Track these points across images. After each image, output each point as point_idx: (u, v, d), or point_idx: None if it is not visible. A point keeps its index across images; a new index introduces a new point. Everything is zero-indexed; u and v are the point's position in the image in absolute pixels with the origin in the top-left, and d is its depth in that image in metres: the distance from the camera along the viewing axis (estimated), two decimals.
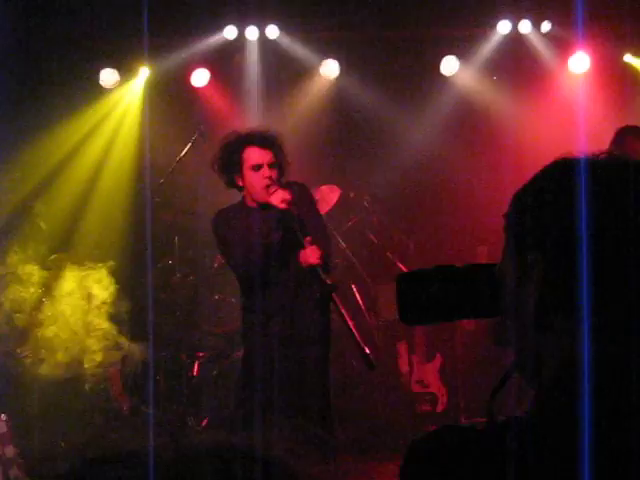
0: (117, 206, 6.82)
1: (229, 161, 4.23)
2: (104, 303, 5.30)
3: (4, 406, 4.46)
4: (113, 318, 5.38)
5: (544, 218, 1.12)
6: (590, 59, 7.26)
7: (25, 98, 6.64)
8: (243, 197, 4.37)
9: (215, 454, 0.66)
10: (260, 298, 4.18)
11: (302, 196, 4.31)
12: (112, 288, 5.40)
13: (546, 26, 7.29)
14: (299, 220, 4.15)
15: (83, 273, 5.25)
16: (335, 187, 6.66)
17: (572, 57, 7.31)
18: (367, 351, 3.93)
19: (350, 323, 4.00)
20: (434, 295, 1.26)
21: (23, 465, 4.49)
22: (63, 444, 5.14)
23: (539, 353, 1.12)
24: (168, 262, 6.31)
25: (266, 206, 4.19)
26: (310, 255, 4.09)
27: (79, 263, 5.33)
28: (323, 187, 6.68)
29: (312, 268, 4.08)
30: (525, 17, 7.33)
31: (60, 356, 5.02)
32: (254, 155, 4.19)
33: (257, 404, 3.91)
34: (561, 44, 7.33)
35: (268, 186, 4.15)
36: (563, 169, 1.13)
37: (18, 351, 5.08)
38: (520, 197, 1.19)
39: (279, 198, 4.12)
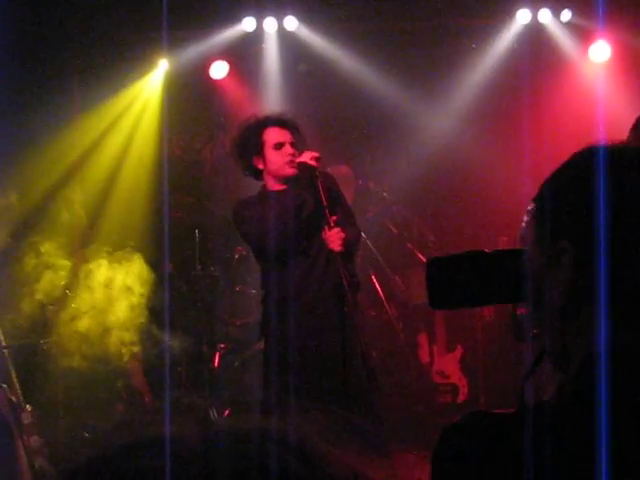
0: (138, 199, 6.85)
1: (249, 143, 4.19)
2: (141, 295, 5.27)
3: (29, 397, 4.51)
4: (150, 310, 5.35)
5: (574, 205, 1.11)
6: (611, 48, 7.20)
7: (44, 91, 6.67)
8: (263, 185, 4.32)
9: (243, 439, 0.66)
10: (281, 284, 4.14)
11: (332, 184, 4.28)
12: (149, 280, 5.37)
13: (566, 15, 7.22)
14: (324, 190, 4.06)
15: (119, 264, 5.24)
16: (344, 167, 6.57)
17: (592, 46, 7.25)
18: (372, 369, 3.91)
19: (362, 340, 3.92)
20: (463, 280, 1.26)
21: (48, 455, 4.54)
22: (87, 434, 5.19)
23: (566, 340, 1.12)
24: (189, 254, 6.34)
25: (291, 184, 4.12)
26: (333, 238, 4.01)
27: (113, 254, 5.30)
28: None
29: (333, 256, 4.01)
30: (545, 6, 7.27)
31: (93, 349, 5.03)
32: (275, 134, 4.17)
33: (281, 391, 3.88)
34: (581, 33, 7.26)
35: (291, 161, 4.13)
36: (595, 156, 1.12)
37: (42, 342, 5.12)
38: (550, 184, 1.19)
39: (308, 156, 4.09)
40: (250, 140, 4.18)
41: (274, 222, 4.02)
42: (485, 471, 1.04)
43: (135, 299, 5.16)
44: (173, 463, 0.63)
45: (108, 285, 5.06)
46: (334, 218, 4.03)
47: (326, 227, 4.03)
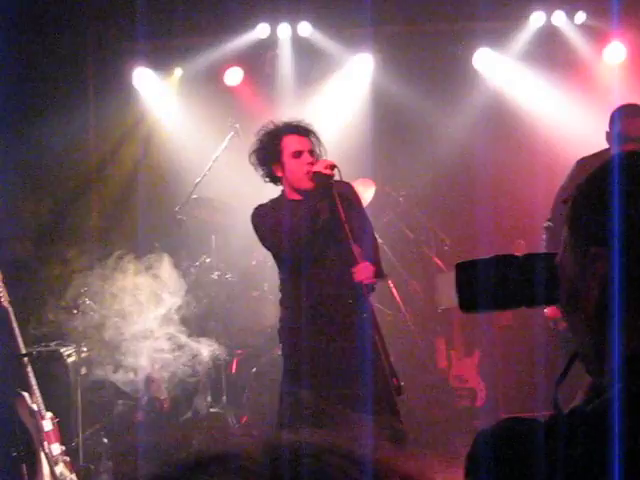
0: (155, 205, 6.88)
1: (268, 150, 4.16)
2: (174, 303, 5.26)
3: (50, 405, 4.52)
4: (182, 319, 5.35)
5: (608, 211, 1.09)
6: (626, 49, 7.18)
7: (60, 99, 6.71)
8: (282, 191, 4.30)
9: (314, 454, 0.65)
10: (297, 292, 4.14)
11: (349, 194, 4.27)
12: (181, 288, 5.36)
13: (580, 17, 7.20)
14: (340, 200, 4.07)
15: (152, 271, 5.22)
16: (370, 181, 6.62)
17: (607, 48, 7.23)
18: (395, 382, 3.90)
19: (382, 342, 3.96)
20: (493, 283, 1.26)
21: (69, 462, 4.55)
22: (106, 440, 5.20)
23: (601, 345, 1.11)
24: (206, 260, 6.35)
25: (306, 195, 4.12)
26: (363, 273, 4.01)
27: (140, 259, 5.28)
28: (358, 181, 6.66)
29: (349, 265, 4.01)
30: (559, 8, 7.26)
31: (116, 356, 5.03)
32: (294, 142, 4.13)
33: (302, 399, 3.87)
34: (596, 35, 7.25)
35: (309, 172, 4.09)
36: (631, 161, 1.11)
37: (62, 350, 5.13)
38: (583, 189, 1.16)
39: (322, 165, 4.07)
40: (269, 148, 4.15)
41: (288, 233, 4.02)
42: (519, 477, 1.03)
43: (162, 305, 5.14)
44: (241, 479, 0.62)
45: (135, 291, 5.05)
46: (358, 250, 4.03)
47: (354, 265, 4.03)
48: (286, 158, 4.12)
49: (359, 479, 0.63)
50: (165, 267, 5.22)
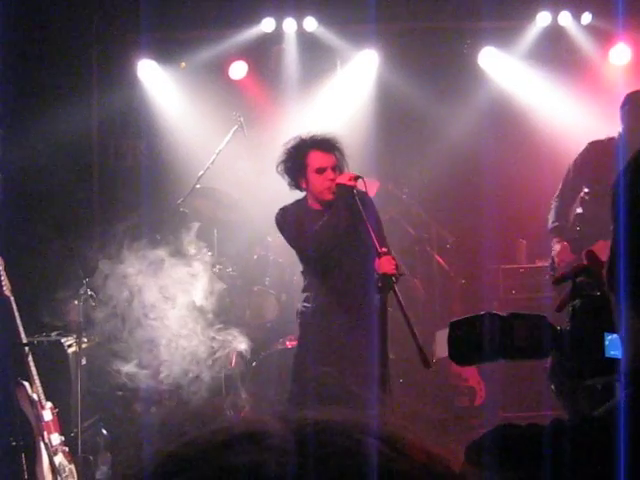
0: (157, 198, 6.86)
1: (294, 165, 4.41)
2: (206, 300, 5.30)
3: (50, 395, 4.52)
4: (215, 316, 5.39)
5: None
6: (631, 51, 7.17)
7: (63, 91, 6.70)
8: (305, 197, 4.55)
9: (345, 433, 0.63)
10: (319, 293, 4.46)
11: (370, 206, 4.46)
12: (214, 288, 5.40)
13: (586, 17, 7.19)
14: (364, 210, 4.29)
15: (187, 268, 5.23)
16: (375, 181, 6.62)
17: (613, 49, 7.22)
18: (422, 350, 4.05)
19: (408, 320, 4.10)
20: (482, 341, 1.38)
21: (68, 452, 4.55)
22: (105, 431, 5.20)
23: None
24: (207, 254, 6.33)
25: (327, 207, 4.38)
26: (387, 264, 4.18)
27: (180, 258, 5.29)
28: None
29: (366, 270, 4.29)
30: (565, 8, 7.24)
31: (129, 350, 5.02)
32: (318, 159, 4.37)
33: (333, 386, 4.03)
34: (602, 36, 7.24)
35: (330, 187, 4.35)
36: None
37: (63, 340, 5.13)
38: (626, 171, 1.09)
39: (345, 177, 4.31)
40: (295, 162, 4.41)
41: (310, 240, 4.34)
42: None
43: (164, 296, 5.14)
44: (269, 458, 0.60)
45: (135, 282, 5.04)
46: (384, 250, 4.23)
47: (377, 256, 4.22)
48: (310, 173, 4.39)
49: (387, 455, 0.62)
50: (167, 259, 5.23)
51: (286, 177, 4.47)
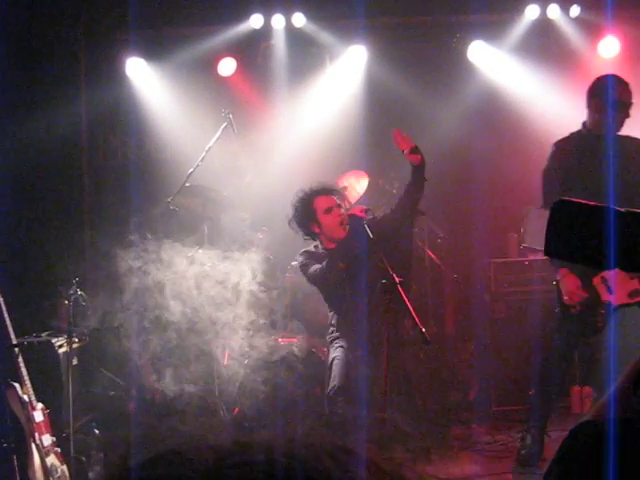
0: (147, 196, 6.84)
1: (303, 214, 5.06)
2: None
3: (41, 395, 4.50)
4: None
5: None
6: (620, 43, 7.17)
7: (51, 89, 6.66)
8: (320, 241, 5.16)
9: (331, 454, 0.62)
10: (341, 316, 5.13)
11: (374, 227, 4.87)
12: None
13: (575, 10, 7.19)
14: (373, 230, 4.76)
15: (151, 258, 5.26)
16: (363, 173, 6.62)
17: (602, 41, 7.22)
18: (423, 329, 4.28)
19: (409, 303, 4.42)
20: (587, 234, 1.14)
21: (60, 453, 4.53)
22: (98, 431, 5.18)
23: None
24: (198, 251, 6.31)
25: (340, 243, 5.02)
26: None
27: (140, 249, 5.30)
28: (350, 173, 6.65)
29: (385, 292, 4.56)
30: (553, 1, 7.24)
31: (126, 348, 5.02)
32: (323, 202, 5.05)
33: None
34: (590, 28, 7.23)
35: (342, 222, 5.00)
36: None
37: (54, 340, 5.10)
38: None
39: (357, 210, 4.93)
40: (304, 211, 5.05)
41: (330, 277, 5.02)
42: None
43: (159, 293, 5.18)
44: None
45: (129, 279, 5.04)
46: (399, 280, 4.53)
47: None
48: (320, 216, 5.05)
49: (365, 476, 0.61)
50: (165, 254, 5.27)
51: (300, 229, 5.10)
